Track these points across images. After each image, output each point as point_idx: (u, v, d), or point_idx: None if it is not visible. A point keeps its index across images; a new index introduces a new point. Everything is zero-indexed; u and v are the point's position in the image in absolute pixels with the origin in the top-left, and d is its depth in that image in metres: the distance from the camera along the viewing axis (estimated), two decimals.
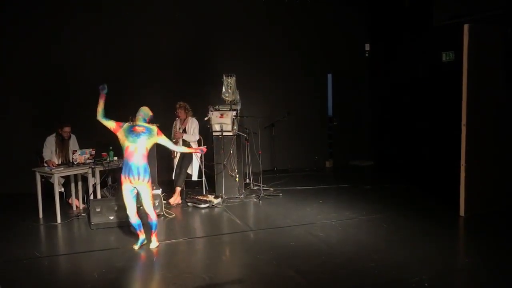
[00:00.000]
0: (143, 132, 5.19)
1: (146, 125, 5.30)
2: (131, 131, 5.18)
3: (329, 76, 10.80)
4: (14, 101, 8.34)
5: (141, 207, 5.49)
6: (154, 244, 5.38)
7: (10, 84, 8.34)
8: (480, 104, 6.07)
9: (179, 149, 6.13)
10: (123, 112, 7.77)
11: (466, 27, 5.93)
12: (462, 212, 6.13)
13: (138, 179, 5.09)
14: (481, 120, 6.11)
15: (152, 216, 5.33)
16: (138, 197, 5.30)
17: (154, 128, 5.33)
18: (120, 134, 5.21)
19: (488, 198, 6.27)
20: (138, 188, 5.17)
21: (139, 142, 5.13)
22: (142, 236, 5.41)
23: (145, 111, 5.42)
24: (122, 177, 5.14)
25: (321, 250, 5.11)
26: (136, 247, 5.33)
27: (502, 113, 6.32)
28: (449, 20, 8.29)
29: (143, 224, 5.41)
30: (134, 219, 5.32)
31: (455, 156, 6.26)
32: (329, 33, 10.47)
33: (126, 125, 5.26)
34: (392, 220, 6.11)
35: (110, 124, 5.28)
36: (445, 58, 8.67)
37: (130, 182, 5.11)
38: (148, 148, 5.21)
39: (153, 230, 5.37)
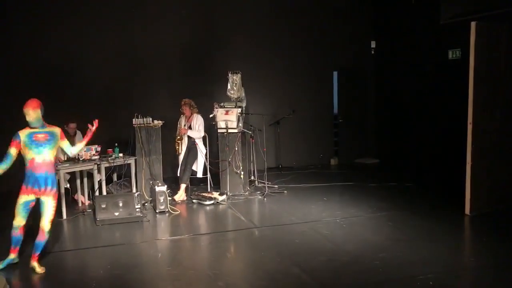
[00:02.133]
0: (46, 140, 4.67)
1: (48, 129, 4.74)
2: (32, 140, 4.60)
3: (335, 73, 10.77)
4: (20, 98, 8.31)
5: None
6: (37, 269, 4.59)
7: (16, 81, 8.36)
8: (486, 102, 6.04)
9: (77, 150, 5.23)
10: (129, 109, 7.84)
11: (473, 24, 5.89)
12: (467, 211, 6.10)
13: (45, 190, 4.63)
14: (487, 119, 6.08)
15: (44, 235, 4.68)
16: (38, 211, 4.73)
17: (58, 130, 4.82)
18: (23, 148, 4.61)
19: (494, 196, 6.24)
20: (43, 199, 4.65)
21: (45, 152, 4.64)
22: (13, 256, 4.75)
23: (34, 115, 4.66)
24: (24, 187, 4.64)
25: (325, 247, 5.10)
26: (1, 265, 4.67)
27: (508, 111, 6.28)
28: (456, 18, 8.25)
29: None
30: (18, 232, 4.68)
31: (461, 155, 6.23)
32: (334, 30, 10.43)
33: (24, 135, 4.62)
34: (398, 218, 6.10)
35: (13, 152, 4.62)
36: (451, 56, 8.62)
37: (35, 194, 4.62)
38: (55, 154, 4.78)
39: (36, 253, 4.65)
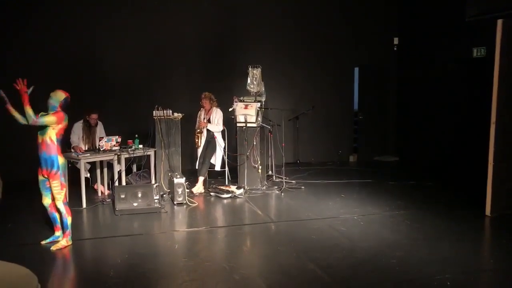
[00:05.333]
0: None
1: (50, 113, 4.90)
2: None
3: (356, 69, 10.69)
4: (42, 88, 8.47)
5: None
6: (61, 243, 5.01)
7: (39, 71, 8.49)
8: (510, 102, 5.91)
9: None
10: (150, 102, 7.91)
11: (499, 22, 5.77)
12: (488, 212, 6.00)
13: (47, 171, 4.86)
14: (511, 118, 5.96)
15: (60, 211, 5.02)
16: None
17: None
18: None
19: None
20: (50, 180, 4.91)
21: (44, 133, 4.85)
22: (57, 233, 5.15)
23: (54, 97, 4.98)
24: (39, 168, 4.91)
25: (342, 244, 5.08)
26: (43, 242, 5.10)
27: None
28: (482, 15, 8.08)
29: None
30: (50, 210, 5.09)
31: (482, 154, 6.13)
32: (357, 26, 10.34)
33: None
34: (416, 217, 6.03)
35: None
36: (476, 54, 8.47)
37: (42, 174, 4.93)
38: (52, 137, 4.84)
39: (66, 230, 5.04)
